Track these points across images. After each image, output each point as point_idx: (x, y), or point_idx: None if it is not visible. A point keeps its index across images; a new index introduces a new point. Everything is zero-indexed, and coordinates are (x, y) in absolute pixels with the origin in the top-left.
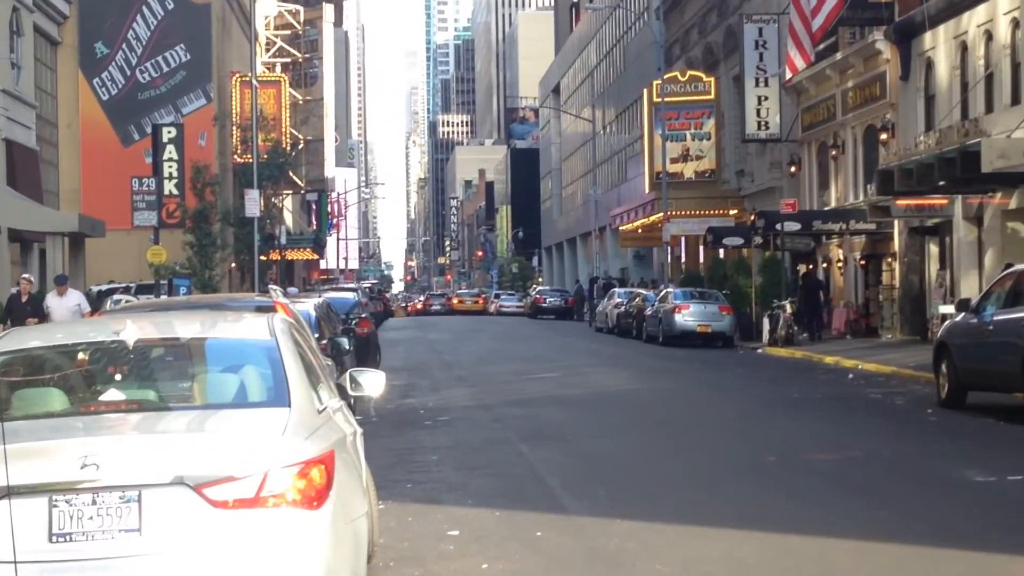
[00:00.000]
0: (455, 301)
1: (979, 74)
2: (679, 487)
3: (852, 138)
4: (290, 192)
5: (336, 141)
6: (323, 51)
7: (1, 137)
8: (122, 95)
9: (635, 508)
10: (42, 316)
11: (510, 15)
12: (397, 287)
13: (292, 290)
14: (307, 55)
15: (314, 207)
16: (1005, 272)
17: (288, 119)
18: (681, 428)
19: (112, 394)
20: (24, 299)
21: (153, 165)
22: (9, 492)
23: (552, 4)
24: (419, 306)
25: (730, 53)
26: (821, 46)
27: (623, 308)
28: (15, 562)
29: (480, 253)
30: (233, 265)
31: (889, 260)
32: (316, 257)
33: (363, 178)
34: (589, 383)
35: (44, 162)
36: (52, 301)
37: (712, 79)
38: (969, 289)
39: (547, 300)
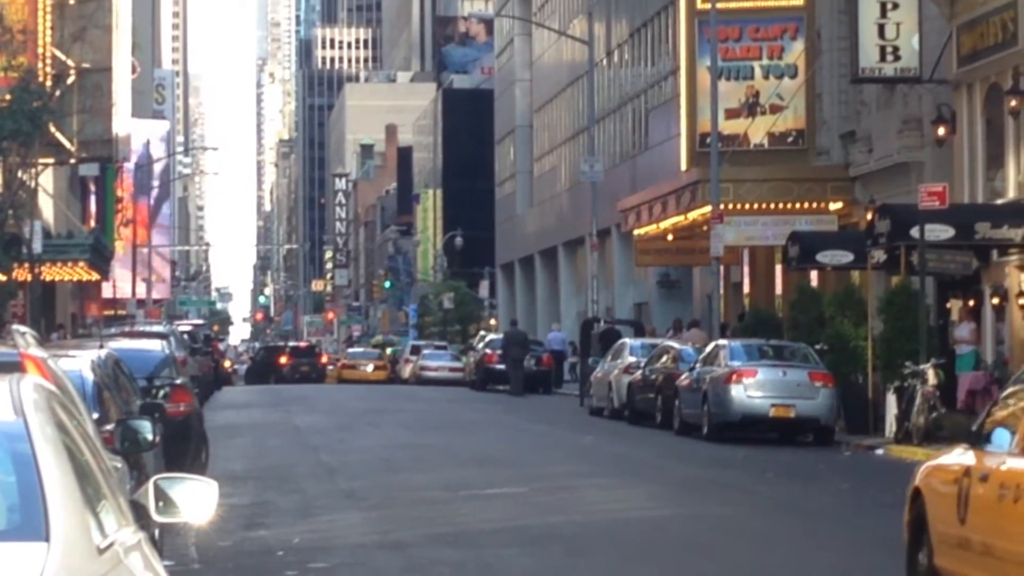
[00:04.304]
0: (341, 365)
1: None
2: None
3: None
4: (51, 162)
5: (135, 72)
6: None
7: None
8: None
9: None
10: None
11: None
12: (239, 332)
13: (54, 336)
14: None
15: (93, 189)
16: None
17: (49, 31)
18: None
19: None
20: None
21: None
22: None
23: None
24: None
25: None
26: None
27: (640, 374)
28: None
29: (386, 275)
30: None
31: None
32: (96, 277)
33: (182, 139)
34: (579, 506)
35: None
36: None
37: None
38: None
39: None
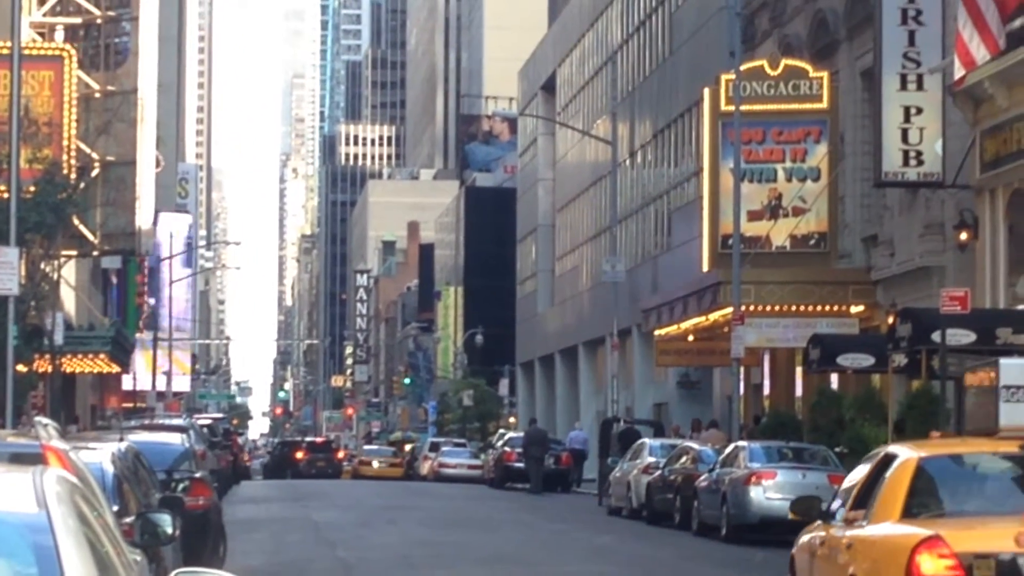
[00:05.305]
0: (358, 462)
1: None
2: None
3: None
4: (74, 254)
5: (159, 166)
6: (139, 7)
7: None
8: None
9: None
10: None
11: None
12: (258, 426)
13: (72, 427)
14: (111, 11)
15: (115, 282)
16: None
17: (75, 124)
18: None
19: None
20: None
21: None
22: None
23: None
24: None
25: (857, 30)
26: (1018, 22)
27: (659, 474)
28: None
29: (406, 372)
30: None
31: None
32: (116, 370)
33: (204, 233)
34: None
35: None
36: None
37: (824, 74)
38: None
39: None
